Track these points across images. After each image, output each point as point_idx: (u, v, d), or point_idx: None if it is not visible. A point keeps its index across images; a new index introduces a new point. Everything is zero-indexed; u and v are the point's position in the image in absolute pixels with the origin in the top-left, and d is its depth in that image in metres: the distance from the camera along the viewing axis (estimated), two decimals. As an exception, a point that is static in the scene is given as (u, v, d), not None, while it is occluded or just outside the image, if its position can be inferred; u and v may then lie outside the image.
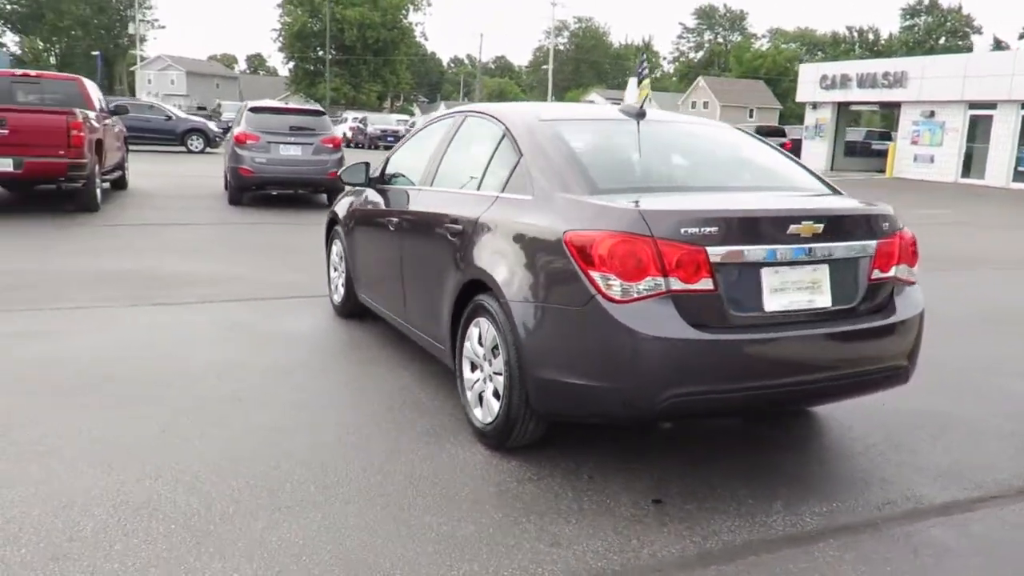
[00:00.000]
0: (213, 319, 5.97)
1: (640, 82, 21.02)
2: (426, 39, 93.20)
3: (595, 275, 3.13)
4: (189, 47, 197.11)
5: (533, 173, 3.72)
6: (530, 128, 3.97)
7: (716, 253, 3.16)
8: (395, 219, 4.82)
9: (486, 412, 3.75)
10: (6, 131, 10.41)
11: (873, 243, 3.53)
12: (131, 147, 16.69)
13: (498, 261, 3.62)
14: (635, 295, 3.11)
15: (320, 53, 70.10)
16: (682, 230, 3.14)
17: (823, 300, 3.40)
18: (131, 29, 68.40)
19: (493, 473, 3.54)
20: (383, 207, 5.13)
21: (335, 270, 6.17)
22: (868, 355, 3.51)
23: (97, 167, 11.60)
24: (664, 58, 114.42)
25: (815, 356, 3.36)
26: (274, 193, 13.86)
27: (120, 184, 14.54)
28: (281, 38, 70.67)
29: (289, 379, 4.67)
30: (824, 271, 3.41)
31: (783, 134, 37.21)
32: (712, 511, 3.27)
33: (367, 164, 5.48)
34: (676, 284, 3.13)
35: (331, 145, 13.50)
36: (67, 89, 12.61)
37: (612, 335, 3.10)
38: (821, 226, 3.34)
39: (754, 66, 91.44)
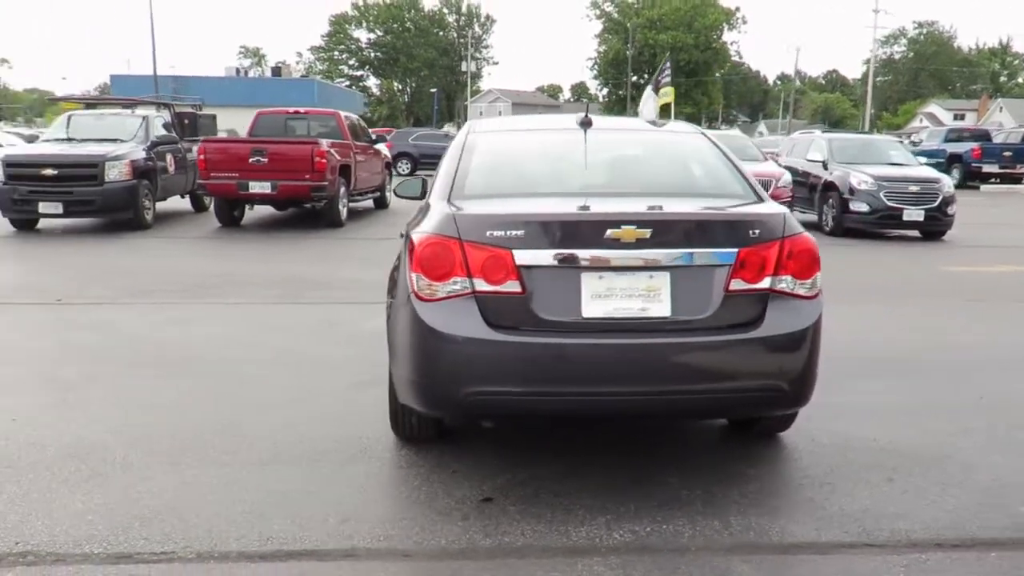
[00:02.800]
0: (322, 318, 6.81)
1: (658, 89, 18.47)
2: (740, 57, 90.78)
3: (412, 275, 3.33)
4: (519, 80, 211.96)
5: (433, 180, 3.97)
6: (456, 140, 4.20)
7: (523, 256, 3.19)
8: None
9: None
10: (266, 160, 12.52)
11: (732, 251, 3.25)
12: (426, 169, 19.00)
13: (394, 261, 3.93)
14: (441, 295, 3.25)
15: (634, 78, 71.87)
16: (488, 233, 3.22)
17: (660, 309, 3.23)
18: (464, 67, 75.88)
19: (386, 454, 3.84)
20: None
21: None
22: (721, 372, 3.25)
23: (343, 189, 13.40)
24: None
25: (646, 367, 3.20)
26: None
27: (381, 203, 16.48)
28: (596, 66, 73.65)
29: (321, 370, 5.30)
30: (664, 279, 3.23)
31: None
32: (524, 515, 3.27)
33: (424, 180, 5.94)
34: (482, 285, 3.21)
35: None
36: (328, 122, 14.72)
37: (420, 332, 3.27)
38: (647, 231, 3.18)
39: None
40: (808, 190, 14.44)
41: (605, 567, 2.90)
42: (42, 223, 12.56)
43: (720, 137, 16.39)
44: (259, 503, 3.35)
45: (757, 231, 3.29)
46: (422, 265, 3.27)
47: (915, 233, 13.24)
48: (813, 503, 3.41)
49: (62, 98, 24.36)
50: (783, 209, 3.47)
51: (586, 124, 4.17)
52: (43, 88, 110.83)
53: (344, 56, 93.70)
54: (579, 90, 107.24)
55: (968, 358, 5.74)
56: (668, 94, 18.41)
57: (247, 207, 13.77)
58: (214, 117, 16.73)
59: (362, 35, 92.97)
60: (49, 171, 12.14)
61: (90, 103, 16.41)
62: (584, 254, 3.19)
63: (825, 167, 14.06)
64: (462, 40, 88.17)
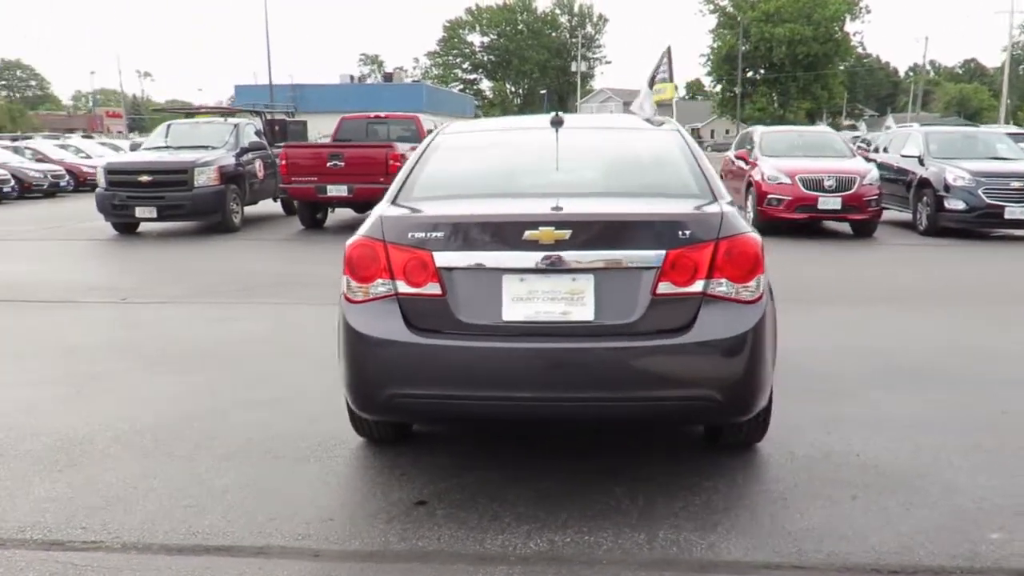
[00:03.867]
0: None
1: (652, 84, 16.97)
2: (864, 48, 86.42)
3: (343, 278, 3.36)
4: (632, 78, 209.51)
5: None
6: (424, 141, 4.21)
7: (443, 258, 3.16)
8: None
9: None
10: (343, 164, 12.92)
11: (659, 253, 3.11)
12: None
13: None
14: (367, 297, 3.27)
15: (749, 74, 69.85)
16: (409, 235, 3.21)
17: (583, 313, 3.13)
18: (574, 67, 75.65)
19: (346, 454, 3.89)
20: None
21: None
22: (647, 379, 3.11)
23: (418, 191, 13.68)
24: None
25: (568, 373, 3.11)
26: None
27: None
28: (709, 62, 71.93)
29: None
30: (588, 281, 3.13)
31: None
32: (450, 520, 3.24)
33: None
34: (404, 287, 3.21)
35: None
36: (408, 126, 15.06)
37: (347, 334, 3.30)
38: (566, 232, 3.09)
39: None
40: (903, 187, 13.64)
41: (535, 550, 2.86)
42: (141, 226, 13.40)
43: (803, 133, 15.74)
44: (204, 497, 3.46)
45: (687, 232, 3.14)
46: (350, 267, 3.30)
47: (1022, 232, 12.33)
48: (757, 520, 3.22)
49: (160, 109, 25.92)
50: (723, 209, 3.28)
51: (557, 123, 4.10)
52: (182, 99, 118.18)
53: (458, 60, 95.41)
54: (693, 87, 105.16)
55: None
56: (665, 90, 17.39)
57: (329, 210, 14.24)
58: (304, 123, 17.40)
59: (475, 39, 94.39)
60: (144, 177, 12.96)
61: (190, 112, 17.38)
62: (503, 256, 3.13)
63: (921, 163, 13.25)
64: (574, 40, 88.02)
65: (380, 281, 3.24)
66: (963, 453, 3.85)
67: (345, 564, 2.95)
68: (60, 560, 2.98)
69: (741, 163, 14.15)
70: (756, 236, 3.26)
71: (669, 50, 13.69)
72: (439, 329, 3.19)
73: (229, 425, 4.30)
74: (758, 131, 15.04)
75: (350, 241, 3.37)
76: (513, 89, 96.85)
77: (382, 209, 3.49)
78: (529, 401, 3.15)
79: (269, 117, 15.94)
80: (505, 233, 3.16)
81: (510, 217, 3.23)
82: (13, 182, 21.65)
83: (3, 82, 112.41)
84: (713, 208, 3.27)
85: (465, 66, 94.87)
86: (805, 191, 12.35)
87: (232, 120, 15.04)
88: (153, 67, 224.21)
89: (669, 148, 3.96)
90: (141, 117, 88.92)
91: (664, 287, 3.12)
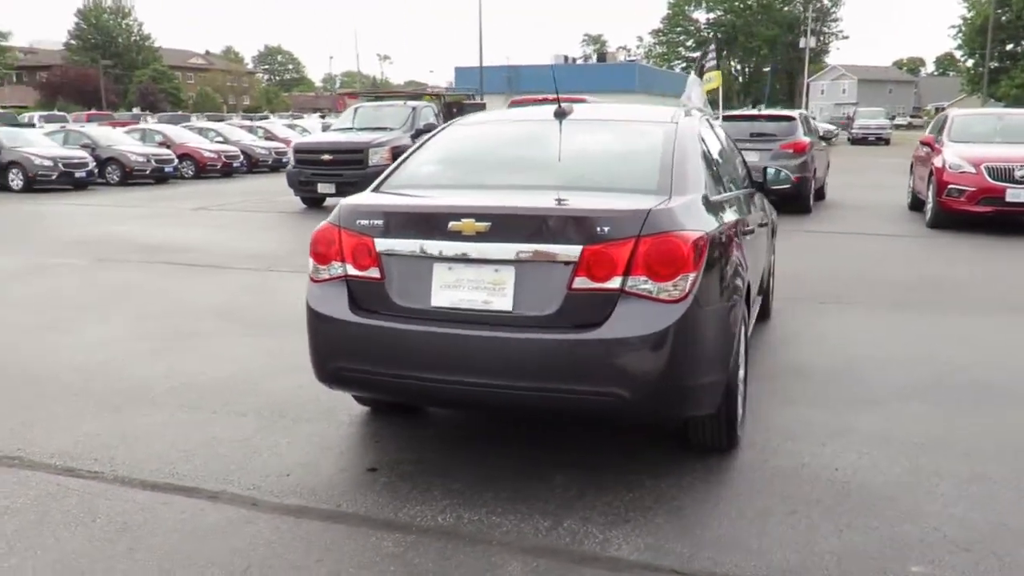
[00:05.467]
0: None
1: (702, 73, 14.16)
2: None
3: (310, 260, 3.67)
4: (872, 54, 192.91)
5: None
6: (433, 132, 4.42)
7: (381, 244, 3.38)
8: None
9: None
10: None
11: (576, 248, 3.12)
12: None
13: None
14: (323, 277, 3.57)
15: (1009, 47, 62.46)
16: (357, 221, 3.46)
17: (503, 303, 3.22)
18: (802, 44, 71.26)
19: (344, 419, 4.25)
20: None
21: None
22: (556, 372, 3.14)
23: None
24: None
25: (484, 360, 3.22)
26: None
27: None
28: (960, 34, 65.05)
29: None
30: (509, 273, 3.21)
31: None
32: (383, 488, 3.48)
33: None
34: (351, 270, 3.47)
35: (791, 150, 13.29)
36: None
37: (307, 310, 3.62)
38: (486, 225, 3.19)
39: None
40: None
41: (394, 543, 3.03)
42: (327, 200, 14.66)
43: (1004, 116, 13.97)
44: (200, 446, 3.93)
45: (607, 228, 3.12)
46: (313, 249, 3.61)
47: None
48: (672, 523, 3.15)
49: (346, 93, 27.67)
50: (655, 207, 3.20)
51: (560, 115, 4.16)
52: (418, 80, 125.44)
53: (681, 38, 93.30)
54: (944, 62, 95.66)
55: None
56: (713, 79, 15.74)
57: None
58: (483, 105, 18.09)
59: (701, 16, 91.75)
60: (326, 156, 14.18)
61: (379, 96, 18.61)
62: (432, 245, 3.30)
63: None
64: (806, 15, 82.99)
65: (335, 263, 3.52)
66: (959, 481, 3.50)
67: (269, 515, 3.27)
68: (61, 483, 3.57)
69: (927, 149, 12.95)
70: (689, 234, 3.16)
71: (716, 37, 12.89)
72: (378, 311, 3.42)
73: (265, 387, 4.79)
74: (952, 113, 13.64)
75: (317, 226, 3.68)
76: (739, 67, 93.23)
77: (352, 197, 3.76)
78: (452, 385, 3.29)
79: (448, 100, 16.73)
80: (434, 224, 3.32)
81: (438, 208, 3.40)
82: (242, 158, 24.36)
83: (265, 66, 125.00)
84: (638, 205, 3.21)
85: (689, 44, 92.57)
86: (991, 181, 11.07)
87: (411, 103, 15.96)
88: (391, 50, 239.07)
89: (652, 143, 3.88)
90: (378, 96, 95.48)
91: (580, 282, 3.13)
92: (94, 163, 19.78)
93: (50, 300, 7.35)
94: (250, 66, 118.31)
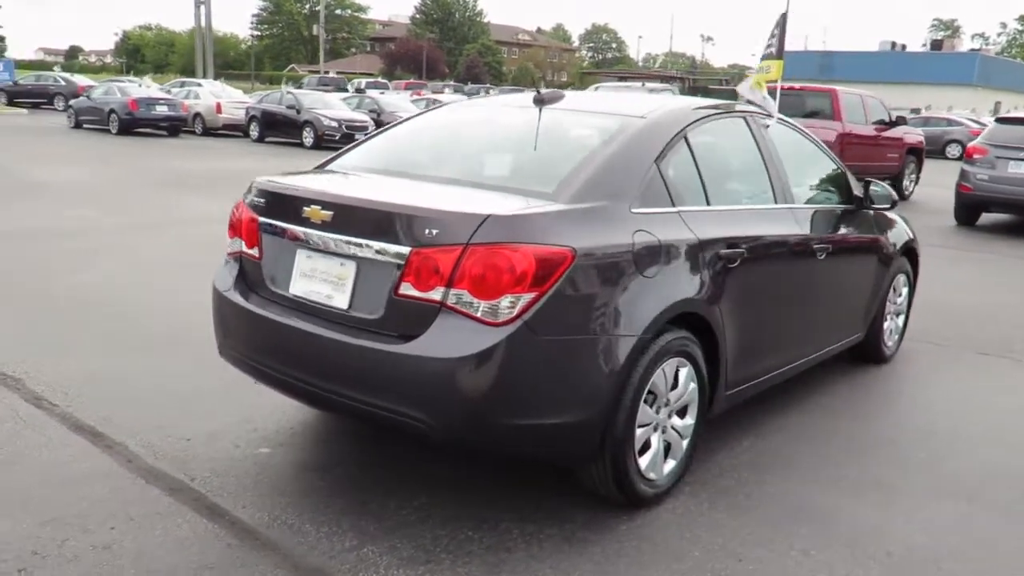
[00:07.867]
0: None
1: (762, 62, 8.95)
2: None
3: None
4: None
5: None
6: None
7: (263, 224, 3.27)
8: None
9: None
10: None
11: (404, 250, 2.75)
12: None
13: None
14: (228, 251, 3.54)
15: None
16: (252, 200, 3.37)
17: (341, 300, 2.96)
18: None
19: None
20: None
21: None
22: (366, 383, 2.81)
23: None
24: None
25: (311, 358, 2.99)
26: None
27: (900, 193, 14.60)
28: None
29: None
30: (351, 268, 2.93)
31: None
32: (262, 468, 3.41)
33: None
34: (244, 247, 3.40)
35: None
36: (822, 100, 13.69)
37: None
38: (330, 214, 2.94)
39: None
40: None
41: (255, 523, 3.00)
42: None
43: None
44: (155, 396, 4.14)
45: (434, 231, 2.71)
46: (230, 223, 3.60)
47: None
48: (518, 557, 2.74)
49: (591, 72, 27.05)
50: (498, 211, 2.72)
51: (539, 102, 3.74)
52: (741, 63, 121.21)
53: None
54: None
55: None
56: (769, 68, 10.87)
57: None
58: (733, 92, 16.87)
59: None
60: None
61: (622, 77, 18.18)
62: (288, 228, 3.15)
63: None
64: None
65: (237, 239, 3.48)
66: (941, 524, 2.63)
67: (135, 476, 3.34)
68: (24, 415, 3.92)
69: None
70: (537, 249, 2.65)
71: (784, 18, 9.23)
72: (256, 292, 3.33)
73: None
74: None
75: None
76: None
77: (274, 174, 3.67)
78: (292, 380, 3.10)
79: (691, 83, 15.92)
80: (294, 207, 3.12)
81: (296, 191, 3.19)
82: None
83: (591, 44, 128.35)
84: (480, 209, 2.74)
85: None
86: None
87: (650, 84, 15.45)
88: (715, 31, 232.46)
89: (596, 139, 3.32)
90: (695, 78, 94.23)
91: (405, 288, 2.78)
92: (375, 126, 21.66)
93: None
94: (576, 43, 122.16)
